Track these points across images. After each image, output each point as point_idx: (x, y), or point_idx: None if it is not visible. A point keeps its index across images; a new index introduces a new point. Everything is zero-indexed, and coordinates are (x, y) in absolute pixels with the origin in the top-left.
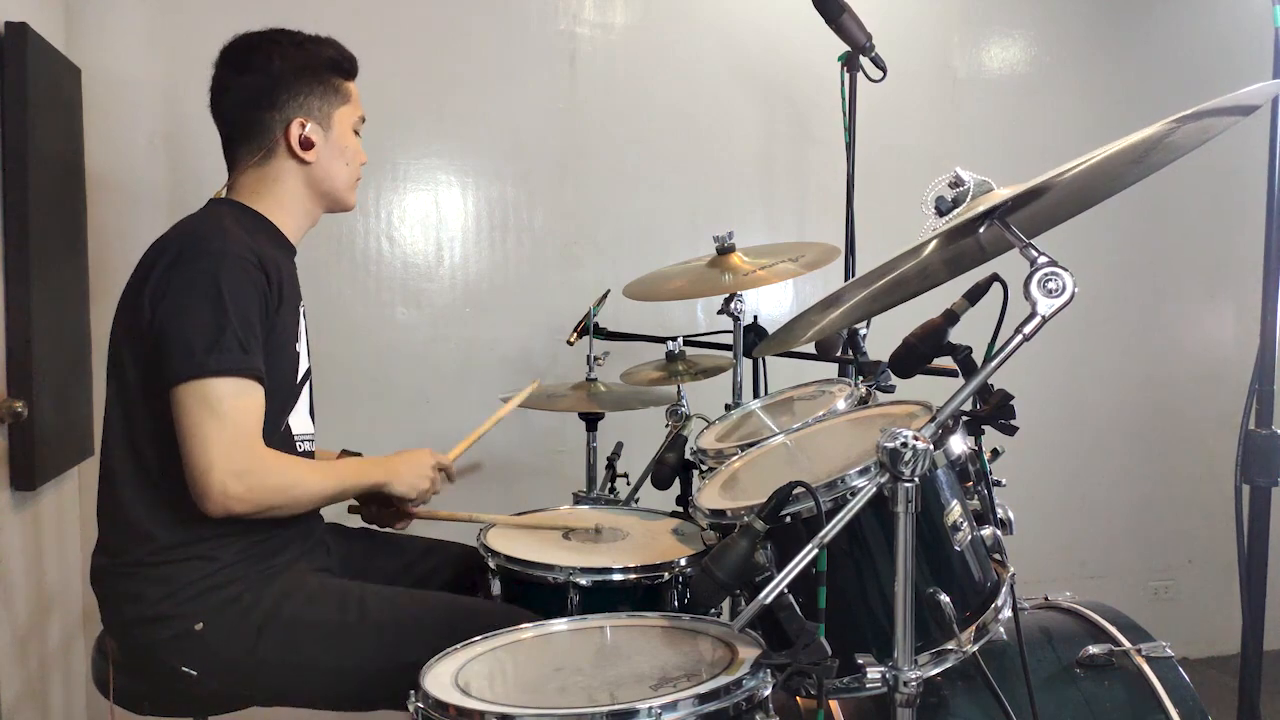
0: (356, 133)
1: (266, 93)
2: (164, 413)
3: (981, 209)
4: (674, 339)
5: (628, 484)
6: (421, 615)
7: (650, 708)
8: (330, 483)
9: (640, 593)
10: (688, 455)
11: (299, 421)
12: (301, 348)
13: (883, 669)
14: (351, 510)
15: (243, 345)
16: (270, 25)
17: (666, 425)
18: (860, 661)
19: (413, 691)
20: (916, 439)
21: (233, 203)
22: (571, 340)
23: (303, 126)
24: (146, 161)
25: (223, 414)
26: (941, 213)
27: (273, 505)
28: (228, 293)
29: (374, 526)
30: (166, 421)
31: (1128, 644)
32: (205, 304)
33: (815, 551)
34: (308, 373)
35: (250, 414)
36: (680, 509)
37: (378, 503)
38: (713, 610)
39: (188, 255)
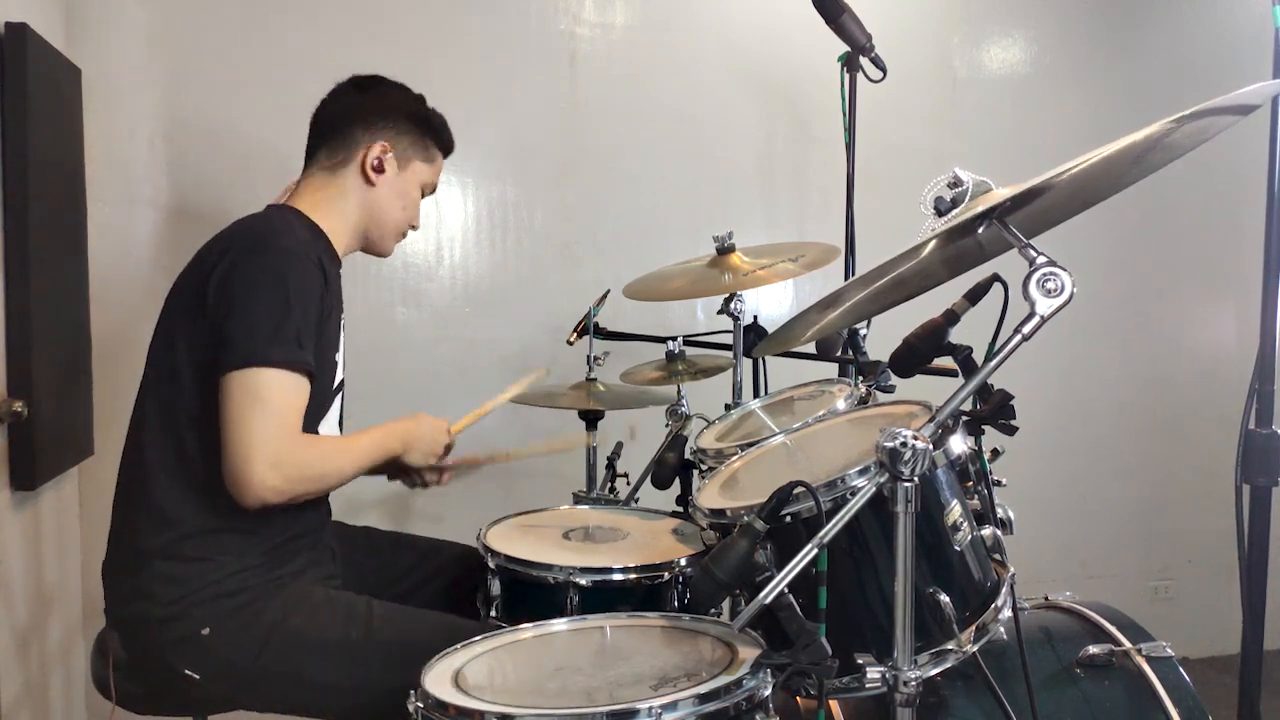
0: (422, 194)
1: (369, 114)
2: (213, 399)
3: (980, 209)
4: (674, 339)
5: (628, 484)
6: (425, 636)
7: (650, 708)
8: (356, 464)
9: (640, 593)
10: (688, 455)
11: (328, 429)
12: (340, 357)
13: (883, 669)
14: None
15: (300, 340)
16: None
17: (666, 425)
18: (860, 661)
19: (413, 691)
20: (916, 439)
21: (294, 210)
22: (571, 340)
23: (384, 151)
24: (146, 162)
25: (269, 404)
26: (940, 213)
27: (306, 493)
28: (293, 288)
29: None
30: (214, 408)
31: (1128, 644)
32: (271, 295)
33: (815, 551)
34: (341, 383)
35: (295, 408)
36: (680, 509)
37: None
38: (713, 610)
39: (259, 248)
